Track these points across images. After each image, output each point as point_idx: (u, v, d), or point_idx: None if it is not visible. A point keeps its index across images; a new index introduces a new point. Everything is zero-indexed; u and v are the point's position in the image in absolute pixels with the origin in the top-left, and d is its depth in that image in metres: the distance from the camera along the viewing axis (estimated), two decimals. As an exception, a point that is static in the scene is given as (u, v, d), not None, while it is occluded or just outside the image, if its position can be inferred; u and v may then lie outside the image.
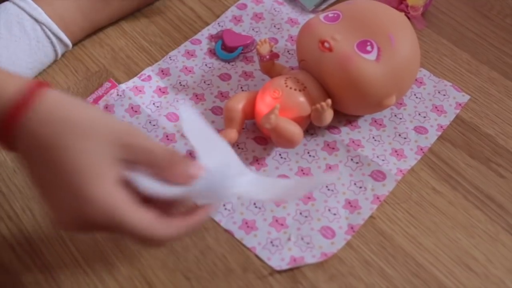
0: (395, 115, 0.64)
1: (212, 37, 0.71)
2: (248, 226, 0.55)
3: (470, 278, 0.52)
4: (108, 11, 0.69)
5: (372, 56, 0.56)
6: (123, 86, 0.66)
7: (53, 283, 0.52)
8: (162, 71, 0.68)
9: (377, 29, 0.57)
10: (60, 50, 0.66)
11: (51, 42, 0.64)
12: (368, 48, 0.57)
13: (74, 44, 0.69)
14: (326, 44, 0.57)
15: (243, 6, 0.74)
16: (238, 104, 0.59)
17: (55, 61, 0.67)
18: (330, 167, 0.60)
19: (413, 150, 0.61)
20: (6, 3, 0.63)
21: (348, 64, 0.56)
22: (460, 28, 0.74)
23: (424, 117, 0.64)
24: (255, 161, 0.60)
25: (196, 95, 0.65)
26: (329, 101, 0.55)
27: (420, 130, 0.63)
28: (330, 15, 0.60)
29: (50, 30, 0.63)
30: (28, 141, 0.41)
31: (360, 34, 0.57)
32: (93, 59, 0.69)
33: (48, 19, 0.63)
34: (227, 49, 0.69)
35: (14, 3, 0.63)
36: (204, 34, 0.72)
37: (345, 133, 0.62)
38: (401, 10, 0.63)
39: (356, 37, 0.57)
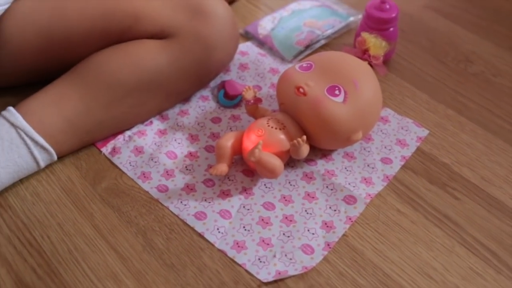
0: (364, 149, 0.74)
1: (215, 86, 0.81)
2: (239, 246, 0.64)
3: (430, 285, 0.61)
4: (93, 117, 0.70)
5: (340, 98, 0.67)
6: (128, 132, 0.75)
7: (70, 299, 0.60)
8: (162, 116, 0.78)
9: (344, 76, 0.68)
10: (38, 153, 0.67)
11: (25, 143, 0.66)
12: (336, 92, 0.67)
13: (63, 156, 0.71)
14: (301, 90, 0.67)
15: (231, 58, 0.85)
16: (228, 142, 0.69)
17: (38, 168, 0.69)
18: (308, 194, 0.69)
19: (380, 178, 0.71)
20: None
21: (319, 106, 0.66)
22: (420, 72, 0.86)
23: (389, 149, 0.74)
24: (244, 191, 0.69)
25: (191, 136, 0.75)
26: (304, 137, 0.65)
27: (386, 161, 0.73)
28: (304, 65, 0.71)
29: (24, 132, 0.66)
30: None
31: (330, 80, 0.68)
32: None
33: (24, 123, 0.66)
34: (229, 97, 0.79)
35: (1, 115, 0.68)
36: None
37: (321, 165, 0.72)
38: (364, 59, 0.74)
39: (326, 83, 0.68)
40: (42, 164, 0.69)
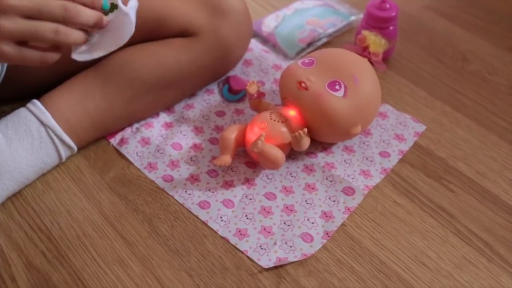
0: (363, 143, 0.77)
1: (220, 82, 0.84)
2: (241, 234, 0.66)
3: (424, 272, 0.63)
4: (114, 113, 0.73)
5: (340, 93, 0.69)
6: (136, 124, 0.78)
7: (78, 282, 0.62)
8: (168, 109, 0.80)
9: (344, 72, 0.71)
10: (63, 151, 0.70)
11: (53, 143, 0.68)
12: (337, 87, 0.69)
13: (82, 148, 0.74)
14: (303, 84, 0.70)
15: (235, 55, 0.88)
16: (231, 134, 0.71)
17: (60, 162, 0.72)
18: (308, 185, 0.71)
19: (378, 171, 0.73)
20: (20, 108, 0.69)
21: (320, 100, 0.69)
22: (419, 70, 0.88)
23: (388, 144, 0.76)
24: (246, 181, 0.72)
25: (196, 128, 0.78)
26: (305, 129, 0.68)
27: (384, 154, 0.75)
28: (306, 60, 0.73)
29: (54, 132, 0.68)
30: None
31: (330, 75, 0.70)
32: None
33: (53, 122, 0.68)
34: (233, 91, 0.81)
35: (26, 108, 0.69)
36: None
37: (321, 157, 0.74)
38: (364, 56, 0.76)
39: (327, 78, 0.70)
40: (64, 160, 0.71)
